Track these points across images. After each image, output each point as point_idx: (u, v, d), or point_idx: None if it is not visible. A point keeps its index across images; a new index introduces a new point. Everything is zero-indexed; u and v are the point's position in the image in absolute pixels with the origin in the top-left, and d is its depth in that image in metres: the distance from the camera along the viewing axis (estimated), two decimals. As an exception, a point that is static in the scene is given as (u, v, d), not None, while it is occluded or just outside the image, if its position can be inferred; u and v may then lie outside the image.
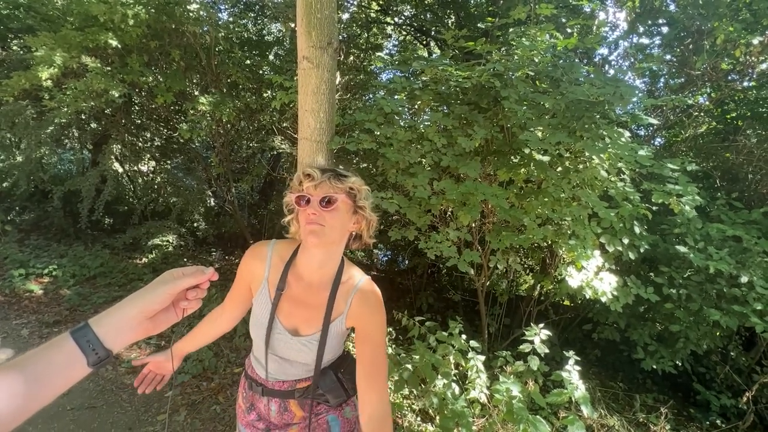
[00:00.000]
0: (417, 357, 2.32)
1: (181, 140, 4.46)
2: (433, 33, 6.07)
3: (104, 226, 5.88)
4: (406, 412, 2.50)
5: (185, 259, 5.30)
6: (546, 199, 2.36)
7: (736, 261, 2.60)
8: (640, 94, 3.06)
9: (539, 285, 3.63)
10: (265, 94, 4.41)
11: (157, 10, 3.54)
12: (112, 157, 4.79)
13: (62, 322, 3.50)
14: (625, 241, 2.54)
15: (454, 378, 2.27)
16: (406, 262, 5.82)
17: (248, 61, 4.34)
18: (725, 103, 4.04)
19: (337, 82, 2.40)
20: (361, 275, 1.06)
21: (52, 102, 3.42)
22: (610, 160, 2.36)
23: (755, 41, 3.10)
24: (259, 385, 1.11)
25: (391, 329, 3.18)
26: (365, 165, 3.53)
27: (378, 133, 2.47)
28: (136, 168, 5.84)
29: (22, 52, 4.29)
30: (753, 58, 3.43)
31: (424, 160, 2.43)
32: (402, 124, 2.66)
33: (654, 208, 2.66)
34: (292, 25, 4.43)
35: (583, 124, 2.32)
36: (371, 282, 1.06)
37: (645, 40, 4.23)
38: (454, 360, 2.37)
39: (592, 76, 2.49)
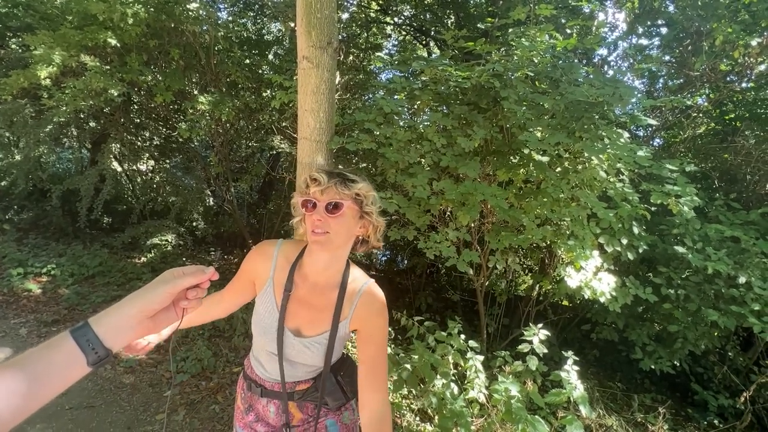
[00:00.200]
0: (416, 357, 2.32)
1: (180, 139, 4.46)
2: (432, 33, 6.07)
3: (103, 225, 5.86)
4: (405, 412, 2.50)
5: (184, 259, 5.30)
6: (545, 200, 2.36)
7: (734, 261, 2.61)
8: (639, 95, 3.07)
9: (538, 285, 3.64)
10: (264, 94, 4.40)
11: (157, 9, 3.53)
12: (111, 156, 4.78)
13: (61, 322, 3.50)
14: (624, 241, 2.55)
15: (453, 378, 2.28)
16: (405, 261, 5.82)
17: (247, 61, 4.33)
18: (724, 104, 4.05)
19: (336, 82, 2.40)
20: (366, 278, 1.07)
21: (51, 101, 3.41)
22: (609, 160, 2.36)
23: (754, 42, 3.10)
24: (258, 386, 1.10)
25: (390, 329, 3.17)
26: (364, 165, 3.53)
27: (377, 133, 2.47)
28: (134, 167, 5.83)
29: (20, 50, 4.28)
30: (751, 60, 3.44)
31: (423, 160, 2.43)
32: (401, 124, 2.66)
33: (653, 208, 2.66)
34: (292, 25, 4.42)
35: (583, 124, 2.32)
36: (375, 285, 1.07)
37: (644, 41, 4.24)
38: (452, 360, 2.38)
39: (591, 76, 2.50)
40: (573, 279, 2.49)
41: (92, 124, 5.21)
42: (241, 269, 1.11)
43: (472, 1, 5.45)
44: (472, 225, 2.73)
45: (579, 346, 3.91)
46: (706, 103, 4.12)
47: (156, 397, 2.72)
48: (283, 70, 4.03)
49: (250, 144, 5.26)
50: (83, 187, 4.49)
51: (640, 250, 2.64)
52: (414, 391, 2.49)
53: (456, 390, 2.19)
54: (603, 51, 4.58)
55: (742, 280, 2.54)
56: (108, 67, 3.50)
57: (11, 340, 3.17)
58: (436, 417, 2.24)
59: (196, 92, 4.04)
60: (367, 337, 1.03)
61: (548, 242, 2.64)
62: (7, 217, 5.39)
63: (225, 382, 2.92)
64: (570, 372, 2.04)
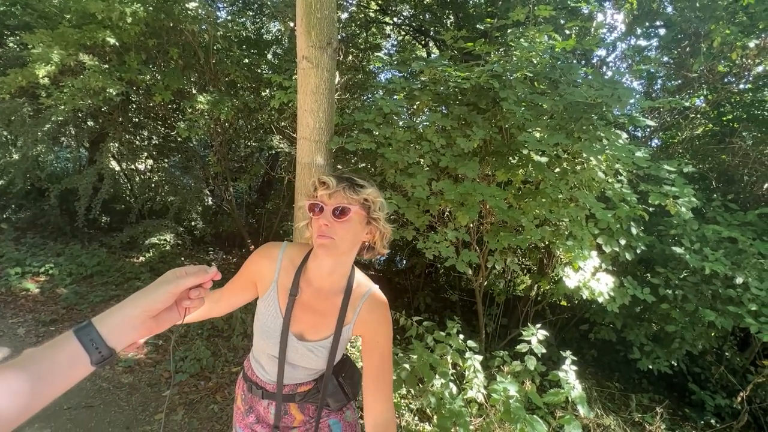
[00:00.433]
0: (415, 357, 2.33)
1: (179, 139, 4.44)
2: (432, 33, 6.07)
3: (101, 224, 5.85)
4: (404, 412, 2.50)
5: (182, 258, 5.29)
6: (544, 200, 2.37)
7: (732, 262, 2.62)
8: (637, 96, 3.07)
9: (536, 285, 3.65)
10: (263, 93, 4.40)
11: (156, 8, 3.53)
12: (109, 155, 4.77)
13: (59, 321, 3.49)
14: (622, 242, 2.56)
15: (452, 378, 2.28)
16: (404, 262, 5.83)
17: (246, 60, 4.33)
18: (721, 106, 4.07)
19: (336, 82, 2.40)
20: (370, 284, 1.07)
21: (49, 100, 3.40)
22: (608, 161, 2.37)
23: (751, 44, 3.12)
24: (259, 388, 1.10)
25: (388, 329, 3.18)
26: (364, 165, 3.54)
27: (377, 133, 2.47)
28: (133, 166, 5.81)
29: (18, 49, 4.27)
30: (749, 61, 3.45)
31: (422, 160, 2.43)
32: (401, 124, 2.66)
33: (651, 209, 2.68)
34: (291, 25, 4.42)
35: (581, 125, 2.33)
36: (379, 291, 1.07)
37: (643, 42, 4.26)
38: (451, 360, 2.38)
39: (590, 77, 2.51)
40: (571, 279, 2.50)
41: (90, 123, 5.19)
42: (242, 269, 1.10)
43: (471, 2, 5.45)
44: (471, 225, 2.73)
45: (577, 346, 3.92)
46: (704, 105, 4.14)
47: (155, 397, 2.72)
48: (282, 69, 4.02)
49: (249, 144, 5.26)
50: (81, 186, 4.48)
51: (638, 251, 2.65)
52: (413, 391, 2.50)
53: (455, 390, 2.20)
54: (602, 52, 4.59)
55: (739, 280, 2.55)
56: (106, 66, 3.49)
57: (9, 339, 3.16)
58: (435, 417, 2.25)
59: (194, 91, 4.03)
60: (372, 344, 1.03)
61: (547, 242, 2.65)
62: (4, 216, 5.37)
63: (224, 382, 2.92)
64: (568, 372, 2.05)
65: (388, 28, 6.85)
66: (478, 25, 4.45)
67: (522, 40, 2.73)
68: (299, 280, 1.03)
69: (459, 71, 2.50)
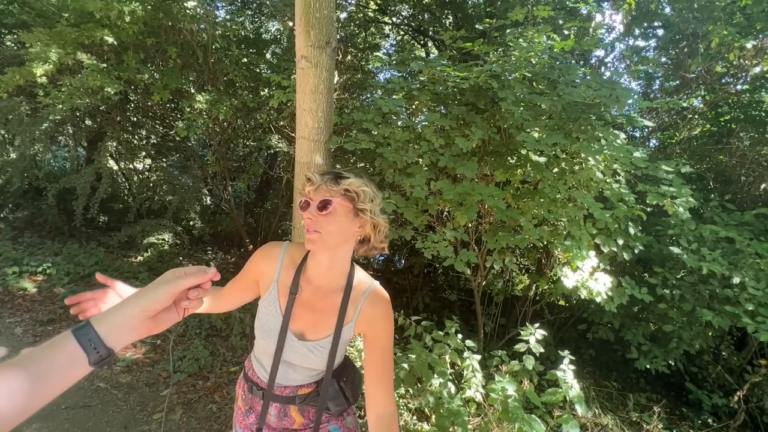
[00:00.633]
0: (413, 356, 2.33)
1: (177, 138, 4.43)
2: (430, 33, 6.07)
3: (99, 224, 5.83)
4: (403, 411, 2.51)
5: (181, 258, 5.28)
6: (542, 200, 2.37)
7: (729, 262, 2.63)
8: (635, 96, 3.09)
9: (535, 285, 3.65)
10: (262, 93, 4.39)
11: (154, 7, 3.52)
12: (107, 154, 4.75)
13: (56, 321, 3.48)
14: (620, 241, 2.57)
15: (450, 377, 2.29)
16: (403, 261, 5.83)
17: (245, 59, 4.32)
18: (719, 106, 4.08)
19: (335, 82, 2.40)
20: (370, 280, 1.06)
21: (47, 98, 3.39)
22: (606, 161, 2.38)
23: (749, 45, 3.13)
24: (260, 389, 1.09)
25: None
26: (362, 164, 3.54)
27: (376, 132, 2.47)
28: (131, 166, 5.80)
29: (16, 47, 4.25)
30: (747, 62, 3.47)
31: (421, 160, 2.44)
32: (399, 124, 2.66)
33: (648, 209, 2.68)
34: (290, 24, 4.42)
35: (580, 125, 2.34)
36: (380, 287, 1.06)
37: (641, 43, 4.27)
38: (450, 359, 2.39)
39: (588, 78, 2.51)
40: (569, 279, 2.50)
41: (88, 122, 5.18)
42: (245, 268, 1.10)
43: (470, 2, 5.46)
44: (470, 225, 2.74)
45: (575, 346, 3.93)
46: (701, 105, 4.15)
47: (153, 397, 2.72)
48: (281, 69, 4.02)
49: (247, 143, 5.25)
50: (79, 185, 4.47)
51: (636, 251, 2.66)
52: (411, 391, 2.50)
53: (453, 389, 2.20)
54: (600, 52, 4.60)
55: (736, 280, 2.57)
56: (105, 65, 3.48)
57: (6, 339, 3.15)
58: (433, 416, 2.25)
59: (193, 91, 4.03)
60: (373, 341, 1.03)
61: (545, 242, 2.65)
62: (2, 215, 5.35)
63: (222, 382, 2.92)
64: (566, 371, 2.06)
65: (386, 28, 6.85)
66: (476, 25, 4.45)
67: (521, 40, 2.73)
68: (299, 278, 1.03)
69: (458, 71, 2.50)
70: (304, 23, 2.06)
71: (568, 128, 2.36)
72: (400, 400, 2.58)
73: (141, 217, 5.47)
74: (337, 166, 3.71)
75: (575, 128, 2.34)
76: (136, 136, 5.40)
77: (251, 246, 5.67)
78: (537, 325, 2.45)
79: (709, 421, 3.21)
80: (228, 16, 5.26)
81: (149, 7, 3.45)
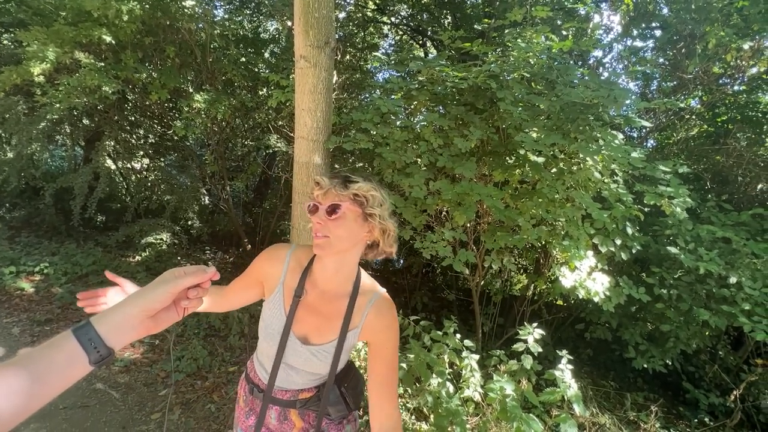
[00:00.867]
0: (412, 356, 2.34)
1: (176, 138, 4.42)
2: (429, 33, 6.08)
3: (97, 223, 5.81)
4: (401, 411, 2.51)
5: (179, 258, 5.27)
6: (540, 200, 2.38)
7: (725, 262, 2.65)
8: (633, 97, 3.09)
9: (533, 285, 3.66)
10: (260, 92, 4.39)
11: (152, 6, 3.51)
12: (105, 154, 4.73)
13: (54, 321, 3.47)
14: (618, 241, 2.58)
15: (449, 377, 2.29)
16: (401, 261, 5.83)
17: (243, 59, 4.31)
18: (716, 107, 4.10)
19: (333, 81, 2.40)
20: (377, 288, 1.05)
21: (44, 98, 3.37)
22: (604, 161, 2.39)
23: (746, 46, 3.15)
24: (260, 391, 1.08)
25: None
26: (361, 164, 3.54)
27: (374, 132, 2.47)
28: (129, 165, 5.78)
29: (13, 46, 4.23)
30: (743, 63, 3.49)
31: (420, 160, 2.44)
32: (398, 124, 2.67)
33: (646, 209, 2.69)
34: (289, 24, 4.41)
35: (578, 125, 2.35)
36: (387, 296, 1.04)
37: (639, 43, 4.28)
38: (448, 359, 2.39)
39: (586, 78, 2.52)
40: (567, 279, 2.51)
41: (86, 121, 5.16)
42: (250, 268, 1.09)
43: (468, 2, 5.46)
44: (468, 225, 2.74)
45: (573, 346, 3.94)
46: (698, 106, 4.17)
47: (151, 397, 2.71)
48: (279, 68, 4.02)
49: (246, 143, 5.24)
50: (77, 185, 4.45)
51: (634, 251, 2.67)
52: (410, 390, 2.51)
53: (451, 389, 2.21)
54: (598, 53, 4.62)
55: (732, 280, 2.58)
56: (102, 64, 3.47)
57: (3, 339, 3.14)
58: (432, 416, 2.26)
59: (191, 90, 4.02)
60: (378, 350, 1.01)
61: (543, 242, 2.66)
62: (-2, 215, 5.33)
63: (221, 382, 2.91)
64: (564, 371, 2.06)
65: (385, 28, 6.85)
66: (475, 26, 4.46)
67: (519, 40, 2.74)
68: (305, 281, 1.02)
69: (456, 71, 2.50)
70: (303, 23, 2.06)
71: (566, 128, 2.37)
72: (399, 400, 2.58)
73: (139, 217, 5.45)
74: (336, 166, 3.71)
75: (573, 128, 2.35)
76: (134, 136, 5.38)
77: (249, 246, 5.66)
78: (535, 324, 2.46)
79: (706, 420, 3.23)
80: (226, 16, 5.26)
81: (147, 6, 3.45)
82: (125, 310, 0.56)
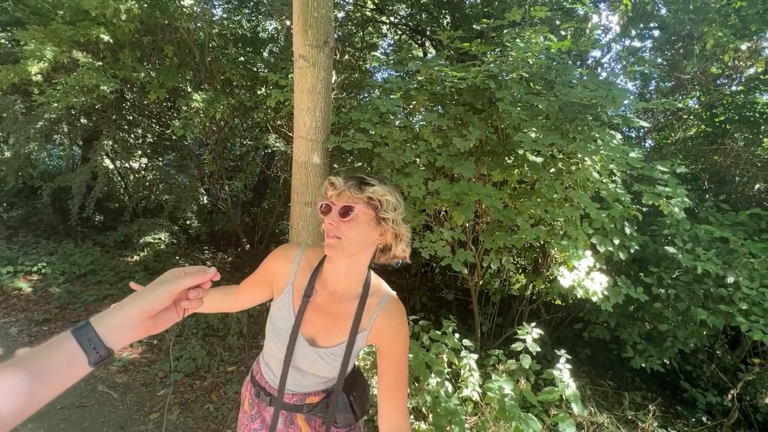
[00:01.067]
0: (411, 355, 2.34)
1: (174, 137, 4.42)
2: (428, 33, 6.08)
3: (95, 223, 5.79)
4: (400, 411, 2.51)
5: (177, 257, 5.26)
6: (539, 200, 2.38)
7: (723, 262, 2.66)
8: (631, 97, 3.10)
9: (531, 284, 3.67)
10: (259, 92, 4.38)
11: (150, 5, 3.50)
12: (103, 153, 4.72)
13: (52, 320, 3.46)
14: (616, 241, 2.59)
15: (447, 376, 2.29)
16: (400, 261, 5.82)
17: (242, 58, 4.31)
18: (714, 107, 4.11)
19: (332, 81, 2.40)
20: (387, 290, 1.05)
21: (42, 97, 3.36)
22: (602, 161, 2.40)
23: (743, 47, 3.16)
24: (267, 394, 1.07)
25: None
26: (360, 164, 3.54)
27: (373, 132, 2.47)
28: (127, 165, 5.77)
29: (10, 45, 4.22)
30: (741, 63, 3.50)
31: (418, 160, 2.44)
32: (397, 123, 2.67)
33: (644, 209, 2.70)
34: (288, 23, 4.41)
35: (576, 125, 2.35)
36: (397, 299, 1.03)
37: (637, 44, 4.29)
38: (447, 358, 2.40)
39: (585, 78, 2.53)
40: (566, 278, 2.52)
41: (84, 120, 5.14)
42: (260, 267, 1.09)
43: (467, 2, 5.47)
44: (467, 225, 2.75)
45: (571, 345, 3.95)
46: (696, 106, 4.18)
47: (149, 397, 2.71)
48: (278, 68, 4.01)
49: (244, 142, 5.23)
50: (75, 184, 4.44)
51: (632, 250, 2.68)
52: (409, 390, 2.51)
53: (450, 388, 2.21)
54: (596, 53, 4.63)
55: (730, 279, 2.59)
56: (100, 63, 3.46)
57: (1, 339, 3.13)
58: (431, 415, 2.26)
59: (190, 89, 4.01)
60: (387, 353, 1.00)
61: (542, 242, 2.67)
62: (-4, 214, 5.31)
63: (219, 381, 2.91)
64: (562, 370, 2.07)
65: (384, 28, 6.85)
66: (474, 25, 4.46)
67: (518, 40, 2.74)
68: (315, 281, 1.01)
69: (455, 71, 2.50)
70: (301, 22, 2.06)
71: (564, 128, 2.38)
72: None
73: (137, 217, 5.44)
74: (335, 165, 3.71)
75: (572, 128, 2.35)
76: (132, 135, 5.37)
77: (248, 245, 5.65)
78: (533, 324, 2.46)
79: (704, 419, 3.24)
80: (225, 15, 5.25)
81: (145, 5, 3.44)
82: (125, 310, 0.56)
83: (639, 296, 2.58)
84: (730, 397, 3.19)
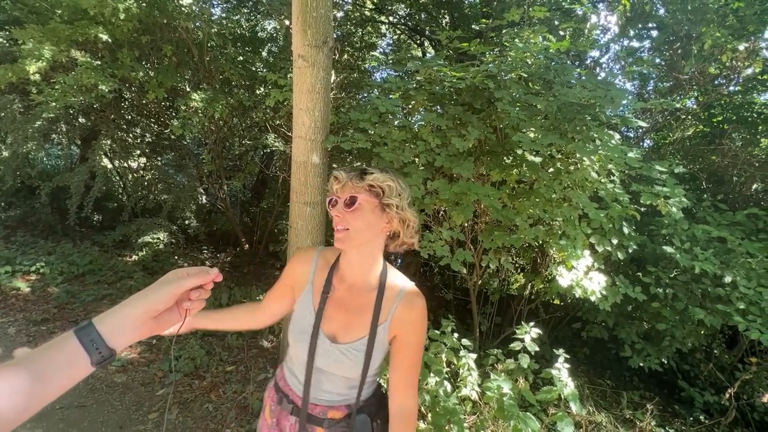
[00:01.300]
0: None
1: (173, 137, 4.41)
2: (427, 33, 6.08)
3: (93, 223, 5.78)
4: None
5: (176, 257, 5.25)
6: (537, 200, 2.39)
7: (721, 261, 2.67)
8: (629, 97, 3.11)
9: (530, 284, 3.68)
10: (258, 91, 4.38)
11: (149, 5, 3.49)
12: (102, 153, 4.71)
13: (50, 320, 3.45)
14: (614, 241, 2.59)
15: (446, 376, 2.30)
16: (399, 261, 5.83)
17: (241, 58, 4.30)
18: (712, 107, 4.13)
19: (331, 81, 2.40)
20: (405, 281, 1.04)
21: (40, 96, 3.35)
22: (601, 161, 2.40)
23: (741, 47, 3.17)
24: (290, 402, 1.05)
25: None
26: (359, 164, 3.54)
27: (372, 132, 2.48)
28: (126, 164, 5.74)
29: (8, 44, 4.20)
30: (739, 63, 3.51)
31: (417, 159, 2.44)
32: (396, 123, 2.67)
33: (642, 209, 2.71)
34: (287, 23, 4.40)
35: (575, 125, 2.36)
36: (416, 289, 1.03)
37: (635, 44, 4.31)
38: (446, 358, 2.40)
39: (583, 78, 2.53)
40: (564, 278, 2.52)
41: (82, 120, 5.13)
42: (282, 275, 1.11)
43: (466, 2, 5.47)
44: (466, 224, 2.75)
45: (570, 344, 3.96)
46: (694, 106, 4.20)
47: (148, 396, 2.71)
48: (277, 67, 4.01)
49: (243, 142, 5.23)
50: (73, 184, 4.43)
51: (630, 250, 2.69)
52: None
53: (449, 388, 2.21)
54: (595, 53, 4.64)
55: (727, 279, 2.60)
56: (99, 62, 3.45)
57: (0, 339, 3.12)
58: (429, 414, 2.26)
59: (188, 89, 4.01)
60: (404, 342, 0.99)
61: (540, 242, 2.67)
62: (-6, 214, 5.30)
63: (218, 381, 2.91)
64: (561, 370, 2.08)
65: (383, 27, 6.85)
66: (473, 25, 4.47)
67: (517, 40, 2.74)
68: (332, 277, 1.02)
69: (454, 71, 2.51)
70: (301, 22, 2.06)
71: (563, 128, 2.38)
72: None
73: (136, 216, 5.43)
74: (334, 165, 3.71)
75: (570, 128, 2.36)
76: (131, 135, 5.36)
77: (247, 245, 5.64)
78: (532, 323, 2.47)
79: (701, 418, 3.26)
80: (224, 14, 5.24)
81: (144, 4, 3.43)
82: (127, 310, 0.56)
83: (637, 296, 2.59)
84: (727, 396, 3.20)
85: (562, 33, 3.81)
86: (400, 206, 0.95)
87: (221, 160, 4.85)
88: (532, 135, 2.30)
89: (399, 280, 1.04)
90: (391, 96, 2.89)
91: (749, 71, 3.63)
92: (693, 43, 3.55)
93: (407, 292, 1.01)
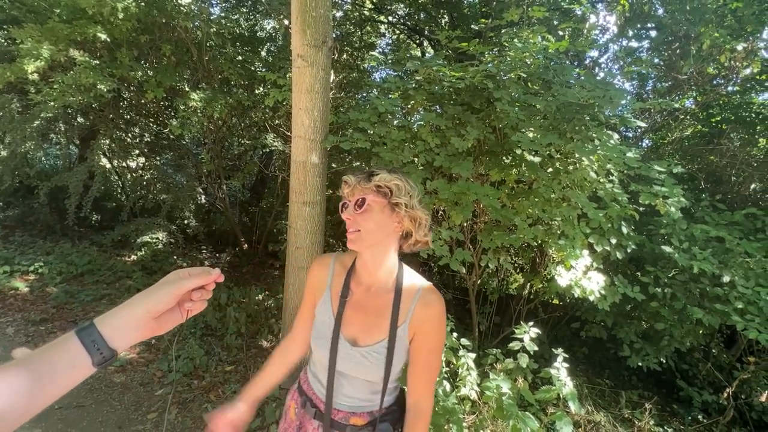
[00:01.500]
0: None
1: (171, 136, 4.41)
2: (426, 33, 6.08)
3: (92, 222, 5.77)
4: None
5: (175, 257, 5.24)
6: (537, 200, 2.39)
7: (719, 261, 2.67)
8: (628, 97, 3.12)
9: (529, 284, 3.68)
10: (257, 91, 4.38)
11: (148, 4, 3.49)
12: (100, 152, 4.70)
13: (49, 320, 3.44)
14: (613, 241, 2.60)
15: (445, 375, 2.30)
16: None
17: (240, 57, 4.30)
18: (710, 107, 4.14)
19: (331, 81, 2.40)
20: (422, 280, 1.04)
21: (39, 96, 3.35)
22: (599, 161, 2.41)
23: (740, 47, 3.18)
24: (314, 406, 1.05)
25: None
26: (358, 164, 3.54)
27: (371, 132, 2.48)
28: (124, 164, 5.74)
29: (7, 43, 4.19)
30: (737, 64, 3.52)
31: (417, 159, 2.45)
32: (395, 123, 2.67)
33: (641, 209, 2.72)
34: (286, 23, 4.40)
35: (574, 125, 2.36)
36: (433, 288, 1.02)
37: (634, 44, 4.31)
38: (445, 357, 2.40)
39: (582, 78, 2.54)
40: (563, 278, 2.53)
41: (81, 119, 5.12)
42: (304, 293, 1.12)
43: (465, 2, 5.47)
44: (465, 224, 2.75)
45: (568, 344, 3.97)
46: (693, 106, 4.21)
47: (147, 396, 2.70)
48: (276, 67, 4.00)
49: (242, 141, 5.23)
50: (71, 183, 4.42)
51: (629, 250, 2.69)
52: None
53: (448, 387, 2.22)
54: (594, 53, 4.65)
55: (726, 279, 2.61)
56: (97, 62, 3.45)
57: (-2, 339, 3.12)
58: (429, 414, 2.27)
59: (187, 89, 4.00)
60: (423, 342, 0.99)
61: (539, 242, 2.68)
62: (-8, 214, 5.29)
63: (217, 381, 2.91)
64: (560, 369, 2.08)
65: (382, 27, 6.85)
66: (472, 25, 4.47)
67: (516, 40, 2.75)
68: (350, 281, 1.03)
69: (453, 71, 2.51)
70: (300, 22, 2.06)
71: (562, 128, 2.39)
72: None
73: (134, 216, 5.42)
74: (333, 165, 3.71)
75: (569, 128, 2.36)
76: (130, 134, 5.35)
77: (246, 245, 5.64)
78: (531, 323, 2.47)
79: (700, 417, 3.27)
80: (222, 14, 5.23)
81: (143, 3, 3.42)
82: (128, 311, 0.56)
83: (636, 295, 2.59)
84: (725, 395, 3.21)
85: (561, 33, 3.82)
86: (409, 205, 0.96)
87: (220, 160, 4.84)
88: (531, 135, 2.30)
89: (416, 280, 1.04)
90: (390, 96, 2.90)
91: (747, 71, 3.64)
92: (691, 43, 3.56)
93: (425, 291, 1.01)
